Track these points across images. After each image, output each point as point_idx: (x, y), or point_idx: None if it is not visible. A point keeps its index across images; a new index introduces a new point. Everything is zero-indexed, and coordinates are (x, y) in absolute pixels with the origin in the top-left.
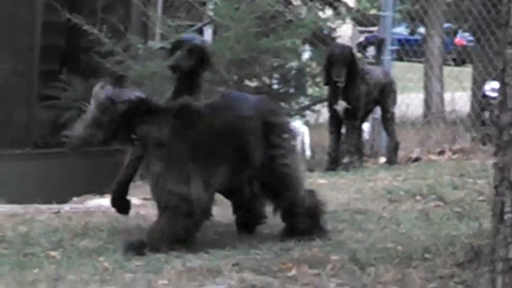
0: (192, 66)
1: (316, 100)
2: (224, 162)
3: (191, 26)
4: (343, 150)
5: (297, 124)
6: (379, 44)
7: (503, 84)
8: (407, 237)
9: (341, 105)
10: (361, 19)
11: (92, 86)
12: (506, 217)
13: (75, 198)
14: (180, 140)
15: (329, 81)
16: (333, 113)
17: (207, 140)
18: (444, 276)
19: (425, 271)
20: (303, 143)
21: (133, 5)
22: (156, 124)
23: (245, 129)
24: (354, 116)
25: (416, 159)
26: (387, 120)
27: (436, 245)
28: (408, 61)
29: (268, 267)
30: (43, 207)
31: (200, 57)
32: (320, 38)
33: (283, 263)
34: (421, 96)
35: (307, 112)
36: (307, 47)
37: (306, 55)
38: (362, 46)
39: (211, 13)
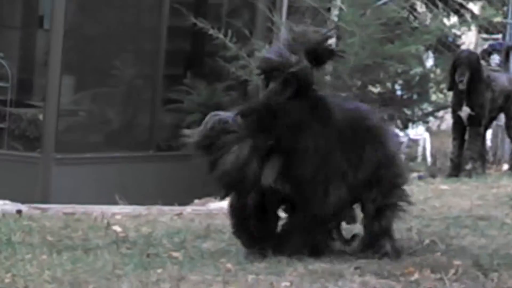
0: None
1: (440, 107)
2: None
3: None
4: (466, 157)
5: (419, 130)
6: (507, 51)
7: None
8: None
9: (465, 112)
10: (487, 26)
11: (216, 90)
12: None
13: (196, 201)
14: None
15: (453, 86)
16: (457, 119)
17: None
18: None
19: None
20: (424, 149)
21: (258, 10)
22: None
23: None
24: (478, 123)
25: None
26: (511, 127)
27: None
28: None
29: (390, 271)
30: (166, 208)
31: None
32: (445, 44)
33: (405, 267)
34: None
35: (430, 119)
36: (430, 53)
37: (430, 62)
38: (487, 53)
39: (336, 19)
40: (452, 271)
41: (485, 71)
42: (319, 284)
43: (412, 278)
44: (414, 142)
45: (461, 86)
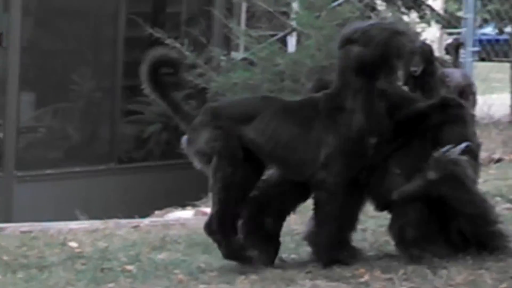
0: None
1: None
2: None
3: (273, 35)
4: None
5: None
6: (457, 47)
7: None
8: None
9: None
10: (449, 21)
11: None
12: None
13: (156, 212)
14: None
15: (408, 81)
16: None
17: None
18: None
19: (497, 272)
20: None
21: (214, 17)
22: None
23: None
24: None
25: (499, 160)
26: None
27: None
28: (499, 61)
29: (341, 273)
30: (123, 221)
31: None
32: None
33: (356, 269)
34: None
35: None
36: None
37: None
38: (453, 47)
39: (292, 22)
40: (402, 271)
41: (439, 67)
42: None
43: (362, 280)
44: None
45: (415, 75)
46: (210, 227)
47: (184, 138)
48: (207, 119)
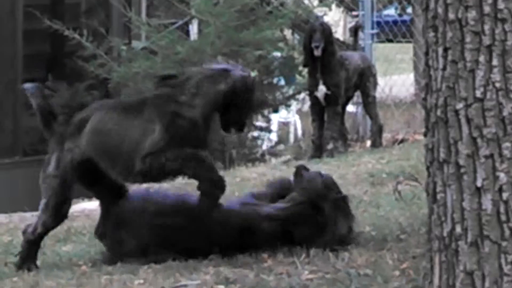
0: None
1: (300, 89)
2: None
3: (173, 23)
4: (326, 137)
5: (283, 113)
6: (355, 30)
7: (427, 66)
8: (385, 219)
9: (321, 91)
10: (349, 4)
11: (78, 91)
12: (438, 196)
13: None
14: None
15: (308, 61)
16: (314, 100)
17: None
18: (416, 255)
19: (398, 252)
20: (295, 132)
21: (113, 7)
22: None
23: None
24: (335, 102)
25: (402, 140)
26: (369, 104)
27: (412, 226)
28: (399, 42)
29: (243, 260)
30: (27, 215)
31: None
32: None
33: (259, 254)
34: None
35: (292, 102)
36: (296, 36)
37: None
38: (354, 31)
39: (192, 10)
40: (304, 254)
41: (338, 50)
42: (172, 279)
43: (265, 265)
44: (285, 125)
45: (316, 53)
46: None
47: None
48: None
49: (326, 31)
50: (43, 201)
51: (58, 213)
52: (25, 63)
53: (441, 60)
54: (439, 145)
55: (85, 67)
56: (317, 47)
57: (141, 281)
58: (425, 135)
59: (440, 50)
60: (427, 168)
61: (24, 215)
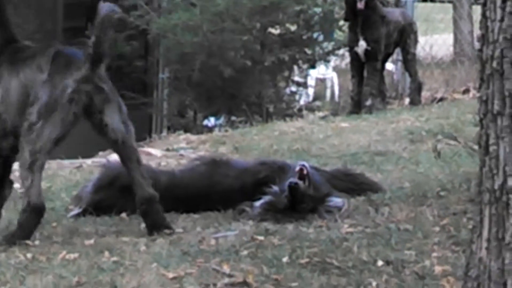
0: None
1: (340, 44)
2: None
3: None
4: (365, 93)
5: (322, 69)
6: None
7: (484, 17)
8: (424, 176)
9: (361, 47)
10: None
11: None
12: (491, 149)
13: (100, 153)
14: None
15: (349, 16)
16: (354, 56)
17: None
18: (457, 212)
19: (438, 208)
20: (332, 88)
21: None
22: None
23: None
24: (375, 58)
25: (441, 99)
26: (409, 61)
27: (452, 183)
28: (440, 1)
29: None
30: (66, 162)
31: None
32: None
33: None
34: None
35: (331, 57)
36: None
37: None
38: None
39: None
40: (345, 207)
41: (380, 7)
42: (212, 229)
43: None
44: (322, 81)
45: (359, 6)
46: None
47: None
48: None
49: None
50: None
51: None
52: (65, 12)
53: (499, 11)
54: (493, 97)
55: (125, 17)
56: (361, 0)
57: (180, 229)
58: (479, 87)
59: (499, 1)
60: (480, 120)
61: (62, 162)
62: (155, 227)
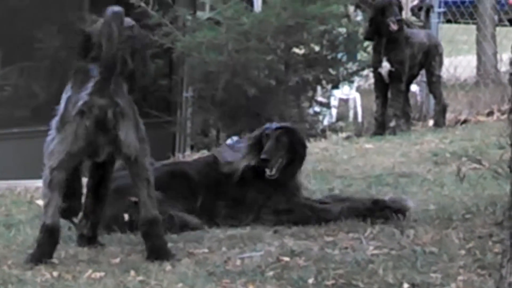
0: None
1: (364, 65)
2: None
3: None
4: (389, 114)
5: (345, 90)
6: (428, 9)
7: None
8: (449, 199)
9: (385, 68)
10: None
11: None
12: None
13: None
14: None
15: (371, 36)
16: (378, 77)
17: None
18: (482, 235)
19: (464, 231)
20: (355, 109)
21: None
22: None
23: None
24: (399, 80)
25: (465, 121)
26: (433, 83)
27: (477, 206)
28: (464, 23)
29: (308, 233)
30: None
31: None
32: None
33: (323, 228)
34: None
35: (355, 78)
36: (359, 12)
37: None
38: (418, 9)
39: None
40: (369, 230)
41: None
42: (237, 249)
43: (329, 239)
44: (345, 102)
45: (394, 27)
46: None
47: None
48: None
49: (399, 5)
50: None
51: None
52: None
53: None
54: None
55: (149, 36)
56: (395, 22)
57: (206, 250)
58: (510, 111)
59: None
60: (511, 145)
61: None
62: (154, 251)
